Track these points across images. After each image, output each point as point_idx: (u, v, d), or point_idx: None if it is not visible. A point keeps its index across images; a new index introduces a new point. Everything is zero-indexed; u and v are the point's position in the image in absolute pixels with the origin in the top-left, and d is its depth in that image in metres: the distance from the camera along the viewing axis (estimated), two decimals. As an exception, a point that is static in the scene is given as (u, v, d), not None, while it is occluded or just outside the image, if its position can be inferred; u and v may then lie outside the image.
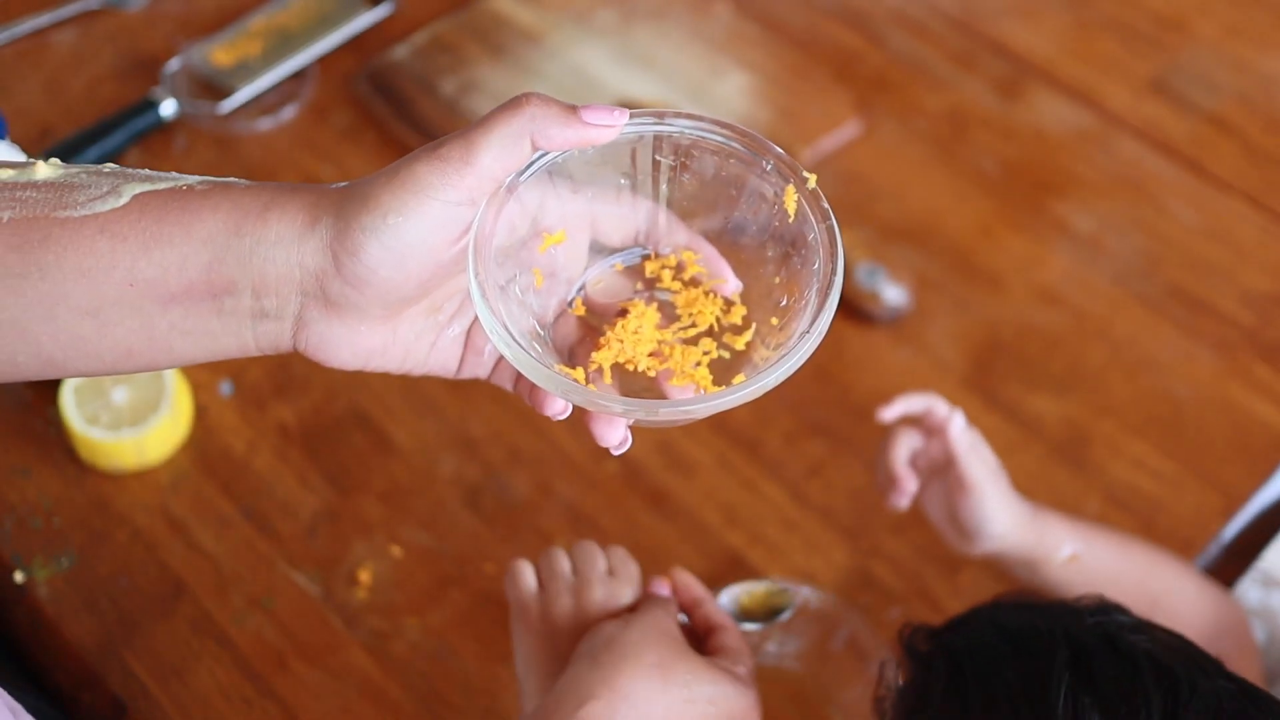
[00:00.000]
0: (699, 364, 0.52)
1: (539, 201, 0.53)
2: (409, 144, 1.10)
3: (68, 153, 1.06)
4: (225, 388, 0.97)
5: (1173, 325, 1.03)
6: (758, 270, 0.55)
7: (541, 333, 0.54)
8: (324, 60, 1.16)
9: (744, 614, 0.82)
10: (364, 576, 0.88)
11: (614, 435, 0.54)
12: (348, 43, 1.18)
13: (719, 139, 0.54)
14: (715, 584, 0.87)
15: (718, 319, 0.54)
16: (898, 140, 1.14)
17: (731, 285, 0.54)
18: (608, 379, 0.53)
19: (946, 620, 0.68)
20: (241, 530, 0.90)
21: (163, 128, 1.11)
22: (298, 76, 1.15)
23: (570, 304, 0.55)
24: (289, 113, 1.13)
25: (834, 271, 0.51)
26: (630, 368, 0.53)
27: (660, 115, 0.54)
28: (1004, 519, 0.80)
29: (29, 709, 0.59)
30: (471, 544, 0.90)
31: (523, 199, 0.52)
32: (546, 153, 0.52)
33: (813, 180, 0.52)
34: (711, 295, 0.54)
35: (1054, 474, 0.95)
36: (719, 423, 0.96)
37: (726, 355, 0.53)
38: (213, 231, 0.50)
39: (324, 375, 0.97)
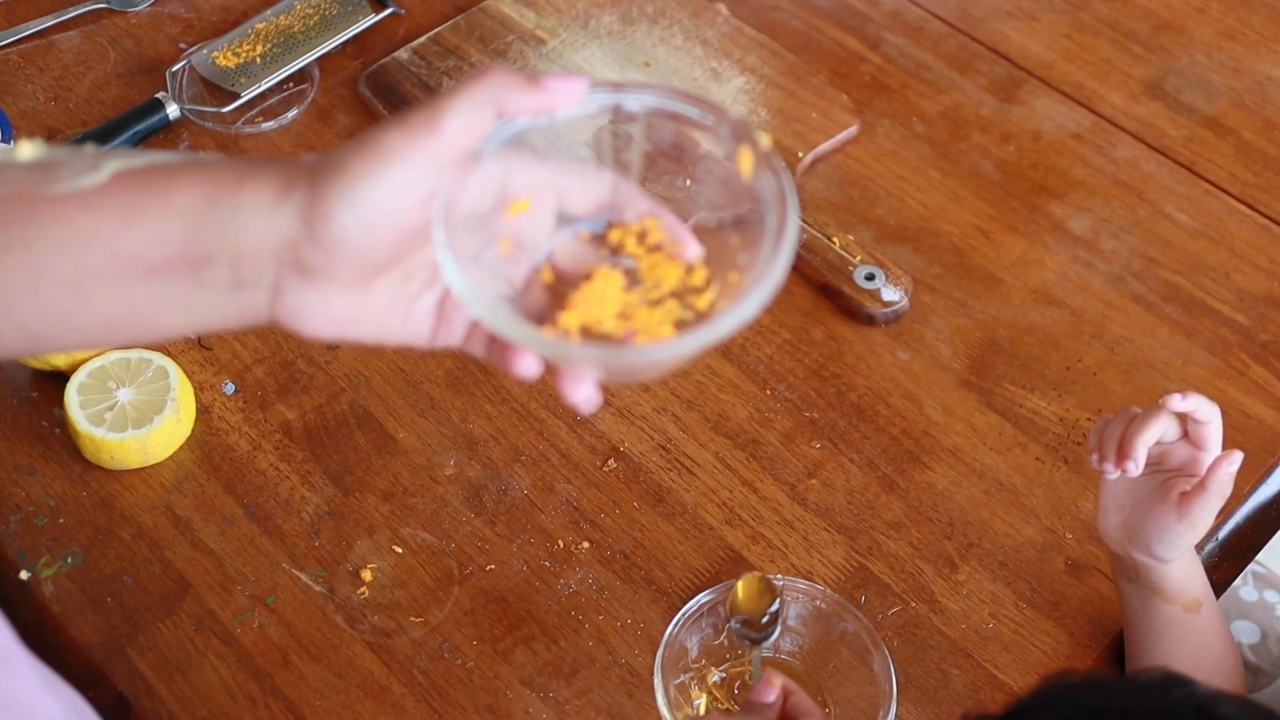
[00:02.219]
0: (663, 324, 0.54)
1: (505, 170, 0.54)
2: (411, 146, 1.11)
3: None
4: (228, 387, 0.97)
5: (1169, 325, 1.04)
6: (717, 232, 0.57)
7: (510, 298, 0.55)
8: (327, 62, 1.17)
9: (740, 615, 0.83)
10: (366, 575, 0.89)
11: (581, 390, 0.55)
12: (350, 45, 1.19)
13: (675, 106, 0.56)
14: (714, 582, 0.88)
15: (681, 281, 0.55)
16: (895, 142, 1.15)
17: (692, 250, 0.56)
18: (575, 338, 0.54)
19: (1010, 705, 0.63)
20: (245, 529, 0.91)
21: (167, 129, 1.11)
22: (301, 78, 1.15)
23: (538, 271, 0.56)
24: (292, 114, 1.13)
25: (784, 222, 0.53)
26: (597, 330, 0.54)
27: (619, 86, 0.56)
28: (1185, 547, 0.80)
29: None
30: (473, 543, 0.91)
31: (488, 167, 0.54)
32: (512, 122, 0.54)
33: (766, 140, 0.54)
34: (674, 259, 0.55)
35: (1051, 473, 0.95)
36: (719, 423, 0.97)
37: (690, 316, 0.54)
38: (190, 204, 0.52)
39: (326, 375, 0.98)
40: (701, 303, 0.55)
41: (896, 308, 1.03)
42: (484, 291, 0.52)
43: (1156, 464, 0.81)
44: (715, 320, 0.51)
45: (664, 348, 0.52)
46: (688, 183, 0.58)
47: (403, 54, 1.17)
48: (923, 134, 1.16)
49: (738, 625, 0.83)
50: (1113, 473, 0.79)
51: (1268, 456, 0.97)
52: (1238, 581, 0.92)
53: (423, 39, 1.18)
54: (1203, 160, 1.15)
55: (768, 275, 0.52)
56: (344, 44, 1.18)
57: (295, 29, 1.17)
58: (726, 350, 1.01)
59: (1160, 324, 1.04)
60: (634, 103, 0.56)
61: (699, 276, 0.55)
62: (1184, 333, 1.04)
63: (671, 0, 1.23)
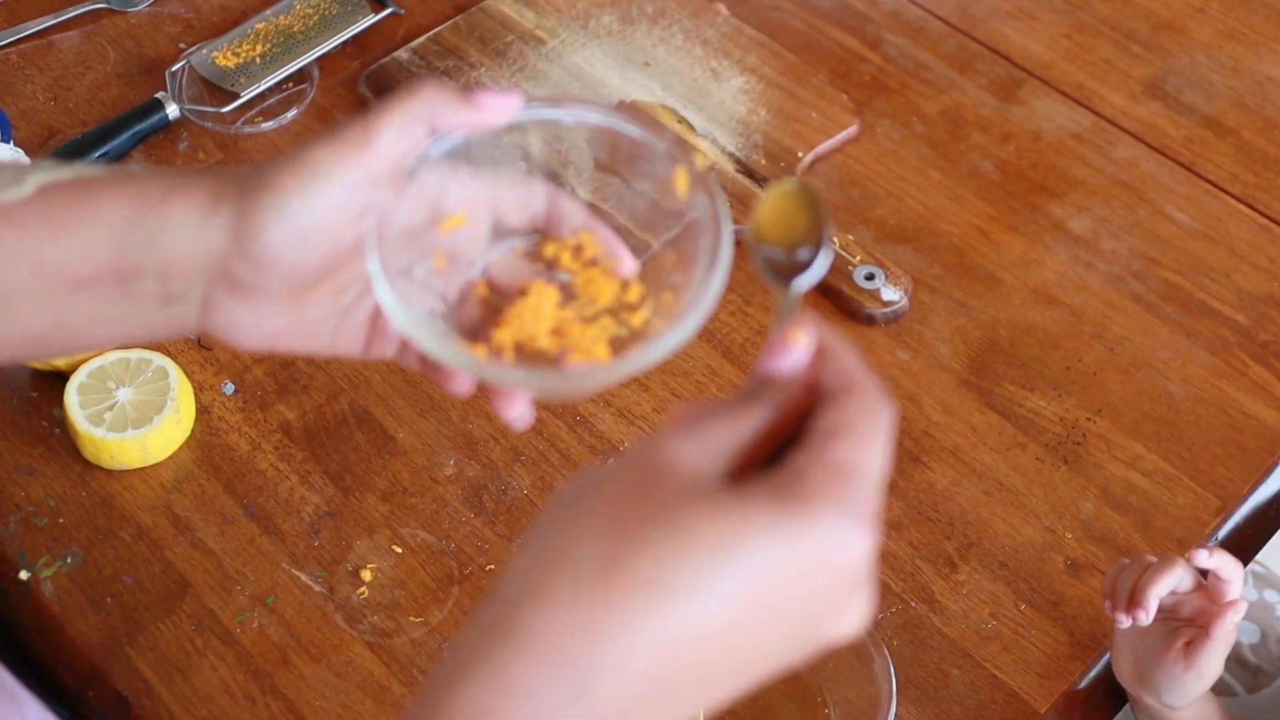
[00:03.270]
0: (597, 341, 0.53)
1: (439, 185, 0.54)
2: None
3: (73, 155, 1.06)
4: (228, 387, 0.97)
5: (1168, 325, 1.04)
6: (652, 249, 0.57)
7: (445, 314, 0.56)
8: (327, 62, 1.17)
9: (766, 244, 0.53)
10: (366, 575, 0.89)
11: (513, 409, 0.55)
12: (350, 45, 1.18)
13: (612, 124, 0.56)
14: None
15: (615, 298, 0.55)
16: (895, 142, 1.15)
17: (627, 265, 0.55)
18: (509, 357, 0.54)
19: None
20: (244, 529, 0.91)
21: (167, 129, 1.11)
22: (301, 78, 1.15)
23: (472, 286, 0.56)
24: (292, 114, 1.13)
25: (718, 246, 0.52)
26: (531, 346, 0.54)
27: (555, 101, 0.56)
28: (1194, 696, 0.81)
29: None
30: (473, 543, 0.91)
31: (422, 182, 0.53)
32: (446, 136, 0.53)
33: (701, 160, 0.55)
34: (609, 275, 0.55)
35: (1050, 473, 0.95)
36: (718, 422, 0.97)
37: (624, 333, 0.54)
38: (116, 218, 0.51)
39: (326, 375, 0.98)
40: (636, 320, 0.54)
41: (896, 308, 1.03)
42: (415, 310, 0.52)
43: (1169, 612, 0.81)
44: (648, 344, 0.51)
45: (592, 372, 0.52)
46: (624, 199, 0.58)
47: (402, 54, 1.17)
48: (923, 134, 1.16)
49: (763, 261, 0.52)
50: (1124, 621, 0.79)
51: (1268, 456, 0.97)
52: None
53: (422, 39, 1.18)
54: (1203, 160, 1.15)
55: (702, 299, 0.51)
56: (344, 44, 1.18)
57: (295, 29, 1.17)
58: (726, 350, 1.01)
59: (1160, 324, 1.04)
60: (570, 118, 0.56)
61: (634, 293, 0.55)
62: (1184, 333, 1.04)
63: (671, 0, 1.23)
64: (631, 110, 0.56)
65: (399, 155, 0.52)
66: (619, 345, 0.54)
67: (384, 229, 0.52)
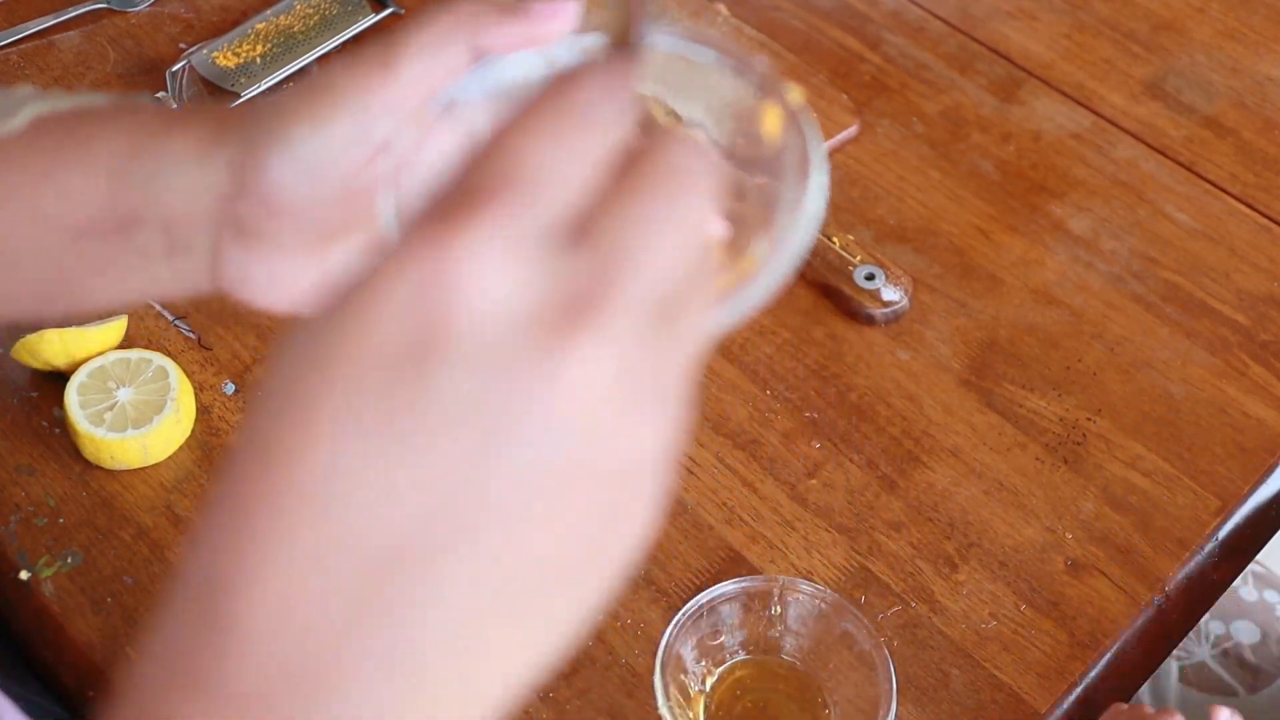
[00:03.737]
0: None
1: (486, 124, 0.44)
2: (411, 146, 1.11)
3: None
4: (229, 387, 0.97)
5: (1168, 325, 1.04)
6: (736, 208, 0.48)
7: None
8: (327, 62, 1.17)
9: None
10: (367, 575, 0.89)
11: None
12: (350, 45, 1.18)
13: (687, 50, 0.47)
14: (714, 582, 0.88)
15: None
16: (895, 142, 1.15)
17: (713, 227, 0.46)
18: None
19: None
20: (245, 529, 0.91)
21: (166, 130, 1.11)
22: (301, 78, 1.15)
23: None
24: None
25: (800, 199, 0.43)
26: None
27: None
28: None
29: (36, 708, 0.58)
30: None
31: (464, 121, 0.43)
32: (496, 64, 0.44)
33: (796, 95, 0.46)
34: None
35: (1051, 473, 0.95)
36: (719, 423, 0.97)
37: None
38: (112, 152, 0.46)
39: (327, 375, 0.98)
40: (720, 283, 0.44)
41: (896, 308, 1.03)
42: None
43: None
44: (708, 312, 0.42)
45: None
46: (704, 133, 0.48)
47: (403, 54, 1.17)
48: (923, 134, 1.16)
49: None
50: None
51: (1268, 456, 0.97)
52: (1237, 581, 0.92)
53: (423, 39, 1.18)
54: (1203, 160, 1.15)
55: (773, 265, 0.43)
56: (344, 44, 1.18)
57: (295, 29, 1.17)
58: (726, 350, 1.01)
59: (1160, 324, 1.04)
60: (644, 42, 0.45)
61: (717, 255, 0.45)
62: (1184, 333, 1.04)
63: (671, 0, 1.23)
64: (707, 31, 0.47)
65: (429, 82, 0.43)
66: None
67: (404, 171, 0.41)
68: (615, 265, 0.30)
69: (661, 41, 0.47)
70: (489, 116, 0.43)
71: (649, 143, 0.32)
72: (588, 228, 0.30)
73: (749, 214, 0.47)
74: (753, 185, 0.47)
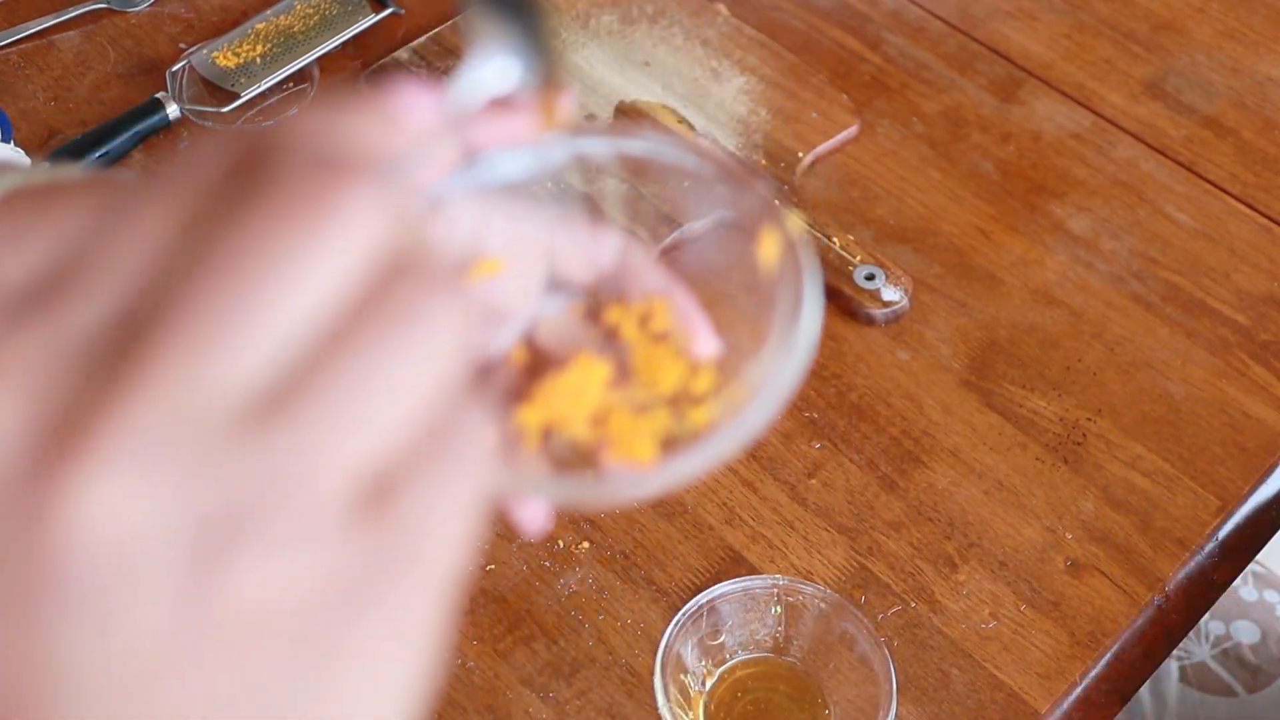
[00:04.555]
0: (644, 440, 0.43)
1: (478, 220, 0.43)
2: (411, 146, 1.11)
3: (73, 155, 1.07)
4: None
5: (1169, 325, 1.04)
6: (724, 326, 0.46)
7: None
8: (327, 62, 1.17)
9: None
10: (367, 575, 0.89)
11: (524, 512, 0.43)
12: (350, 45, 1.19)
13: (693, 164, 0.45)
14: (714, 582, 0.88)
15: (681, 385, 0.45)
16: (895, 142, 1.15)
17: (705, 345, 0.45)
18: (532, 442, 0.43)
19: None
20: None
21: (167, 129, 1.11)
22: (301, 78, 1.15)
23: (509, 349, 0.46)
24: (292, 114, 1.13)
25: (794, 330, 0.42)
26: (562, 432, 0.44)
27: (615, 130, 0.45)
28: None
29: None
30: (473, 543, 0.91)
31: (451, 214, 0.42)
32: (489, 158, 0.43)
33: (795, 222, 0.44)
34: (677, 355, 0.45)
35: (1051, 473, 0.95)
36: (718, 422, 0.97)
37: (682, 431, 0.44)
38: (80, 226, 0.41)
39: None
40: (698, 416, 0.44)
41: (896, 308, 1.03)
42: None
43: None
44: (695, 447, 0.40)
45: (624, 482, 0.41)
46: (699, 259, 0.47)
47: (403, 54, 1.17)
48: (923, 134, 1.16)
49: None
50: None
51: (1268, 456, 0.97)
52: (1238, 581, 0.92)
53: (423, 39, 1.18)
54: (1203, 160, 1.15)
55: (766, 397, 0.41)
56: (344, 44, 1.18)
57: (295, 29, 1.17)
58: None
59: (1160, 324, 1.04)
60: (642, 149, 0.45)
61: (703, 381, 0.44)
62: (1184, 333, 1.04)
63: (671, 0, 1.23)
64: (714, 150, 0.45)
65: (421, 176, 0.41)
66: (671, 446, 0.43)
67: None
68: (301, 452, 0.25)
69: (664, 152, 0.45)
70: (477, 213, 0.43)
71: (376, 287, 0.27)
72: (279, 399, 0.25)
73: (740, 337, 0.45)
74: (747, 306, 0.45)
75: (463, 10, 0.38)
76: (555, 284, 0.47)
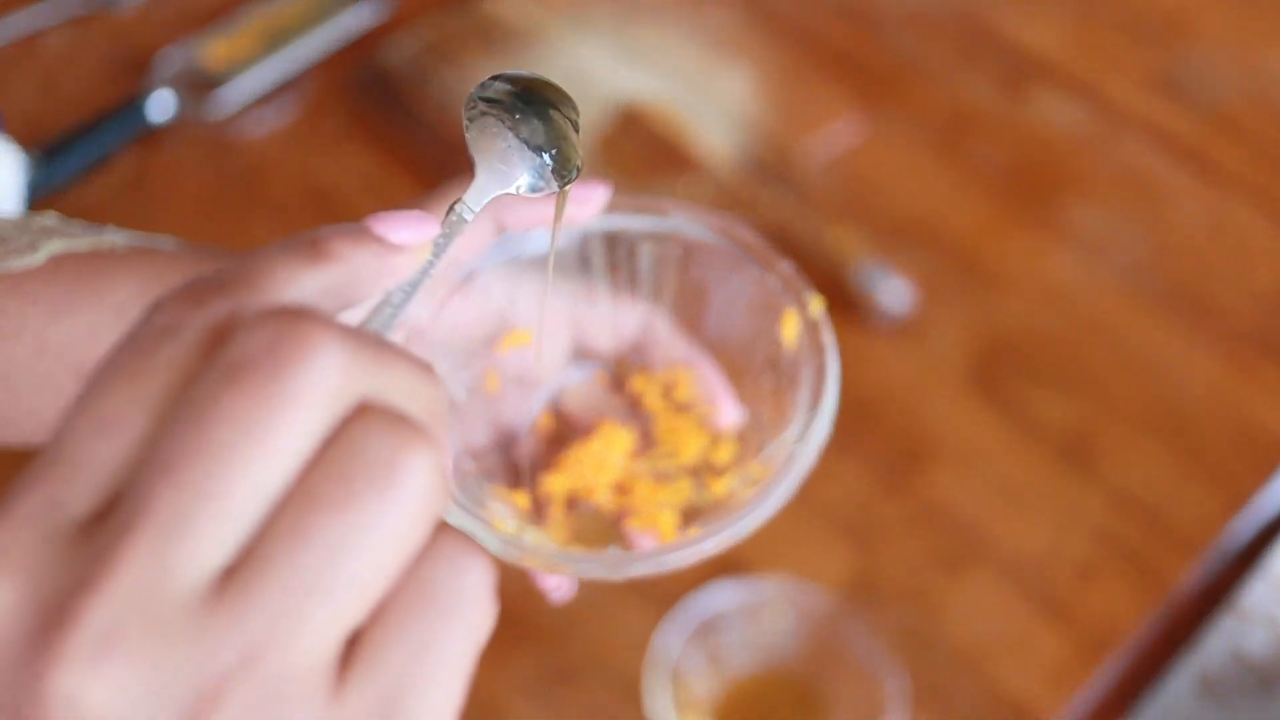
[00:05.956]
0: (665, 509, 0.45)
1: (506, 293, 0.45)
2: (404, 143, 1.10)
3: (61, 152, 1.06)
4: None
5: (1178, 325, 1.02)
6: (746, 398, 0.47)
7: (482, 448, 0.46)
8: (320, 60, 1.16)
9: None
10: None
11: (549, 579, 0.46)
12: (343, 41, 1.18)
13: (716, 241, 0.46)
14: (713, 585, 0.86)
15: (702, 456, 0.46)
16: (900, 138, 1.13)
17: (728, 415, 0.47)
18: (557, 509, 0.45)
19: None
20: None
21: (156, 127, 1.10)
22: (294, 78, 1.14)
23: (535, 418, 0.48)
24: (284, 111, 1.12)
25: (816, 411, 0.44)
26: (585, 499, 0.45)
27: (643, 207, 0.45)
28: None
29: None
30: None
31: (487, 289, 0.44)
32: (517, 237, 0.44)
33: (816, 304, 0.45)
34: (699, 426, 0.46)
35: (1058, 475, 0.94)
36: (717, 423, 0.95)
37: (703, 501, 0.46)
38: (125, 300, 0.46)
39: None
40: (719, 487, 0.46)
41: (900, 307, 1.01)
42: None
43: None
44: (718, 526, 0.41)
45: (643, 558, 0.42)
46: (720, 335, 0.47)
47: (397, 50, 1.16)
48: (928, 129, 1.14)
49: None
50: None
51: (1278, 457, 0.96)
52: (1247, 584, 0.91)
53: (417, 35, 1.17)
54: (1213, 157, 1.13)
55: (787, 474, 0.43)
56: (334, 39, 1.17)
57: (288, 28, 1.16)
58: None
59: (1169, 323, 1.03)
60: (663, 226, 0.46)
61: (724, 453, 0.46)
62: (1194, 332, 1.02)
63: (671, -4, 1.22)
64: (740, 228, 0.47)
65: (455, 253, 0.42)
66: (691, 516, 0.44)
67: (417, 339, 0.42)
68: (271, 625, 0.26)
69: (690, 230, 0.46)
70: (506, 286, 0.44)
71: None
72: (243, 581, 0.26)
73: (762, 411, 0.46)
74: (769, 381, 0.46)
75: (468, 125, 0.38)
76: (581, 354, 0.48)
